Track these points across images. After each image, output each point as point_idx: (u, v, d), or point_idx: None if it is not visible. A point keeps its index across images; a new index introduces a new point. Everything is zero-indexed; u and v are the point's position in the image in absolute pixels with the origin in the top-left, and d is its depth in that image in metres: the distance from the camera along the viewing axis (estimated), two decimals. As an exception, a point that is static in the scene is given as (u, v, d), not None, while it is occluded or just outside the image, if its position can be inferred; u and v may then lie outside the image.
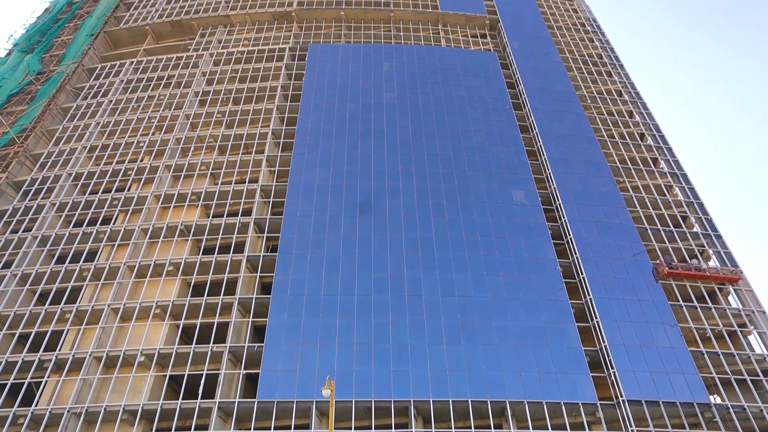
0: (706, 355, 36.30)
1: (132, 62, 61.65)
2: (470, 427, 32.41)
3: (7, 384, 35.27)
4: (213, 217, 44.77)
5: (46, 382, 35.46)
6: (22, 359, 35.97)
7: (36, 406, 34.01)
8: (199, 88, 56.71)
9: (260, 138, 50.14)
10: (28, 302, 40.46)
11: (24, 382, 35.15)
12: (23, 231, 44.80)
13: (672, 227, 44.83)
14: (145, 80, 58.80)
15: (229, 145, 50.24)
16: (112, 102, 56.40)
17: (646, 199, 46.52)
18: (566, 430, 32.32)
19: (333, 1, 67.62)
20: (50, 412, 33.08)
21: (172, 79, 58.31)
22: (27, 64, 61.10)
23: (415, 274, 39.15)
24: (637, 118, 55.60)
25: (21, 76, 60.00)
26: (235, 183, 46.80)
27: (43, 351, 36.45)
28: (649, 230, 43.73)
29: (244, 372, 35.29)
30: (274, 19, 66.86)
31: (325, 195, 44.33)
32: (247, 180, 46.95)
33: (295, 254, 40.35)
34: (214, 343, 35.84)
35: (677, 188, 48.88)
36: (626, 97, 57.95)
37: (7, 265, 42.30)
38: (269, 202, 45.27)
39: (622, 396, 33.32)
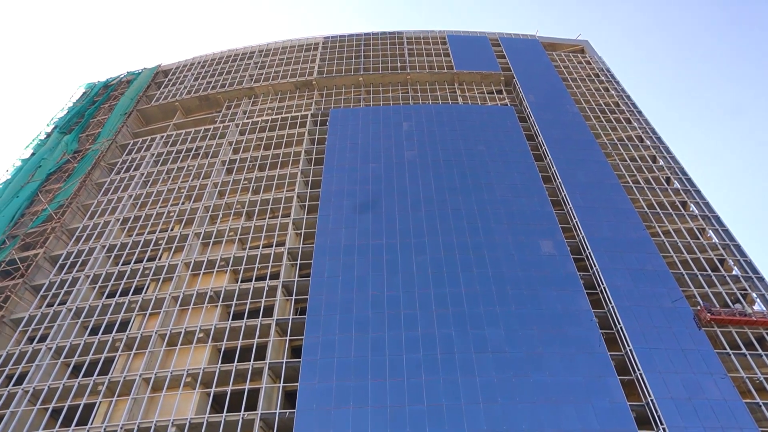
0: (763, 407, 34.06)
1: (162, 136, 64.52)
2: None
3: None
4: (242, 281, 45.12)
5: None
6: (55, 434, 35.77)
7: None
8: (226, 157, 58.75)
9: (286, 202, 51.18)
10: (61, 375, 40.70)
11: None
12: (58, 304, 45.76)
13: (710, 271, 43.35)
14: (174, 152, 61.26)
15: (256, 210, 51.37)
16: (144, 175, 58.68)
17: (679, 244, 45.35)
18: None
19: (351, 69, 70.50)
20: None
21: (200, 149, 60.66)
22: (65, 144, 64.54)
23: (446, 331, 38.33)
24: (661, 163, 55.20)
25: (59, 155, 63.28)
26: (262, 247, 47.42)
27: (75, 425, 36.24)
28: (685, 275, 42.35)
29: (276, 440, 34.37)
30: (296, 89, 69.79)
31: (351, 255, 44.45)
32: (274, 243, 47.61)
33: (324, 316, 40.08)
34: (245, 410, 35.18)
35: (710, 231, 47.65)
36: (648, 143, 57.83)
37: (43, 338, 42.96)
38: (296, 264, 45.54)
39: (675, 454, 31.27)
